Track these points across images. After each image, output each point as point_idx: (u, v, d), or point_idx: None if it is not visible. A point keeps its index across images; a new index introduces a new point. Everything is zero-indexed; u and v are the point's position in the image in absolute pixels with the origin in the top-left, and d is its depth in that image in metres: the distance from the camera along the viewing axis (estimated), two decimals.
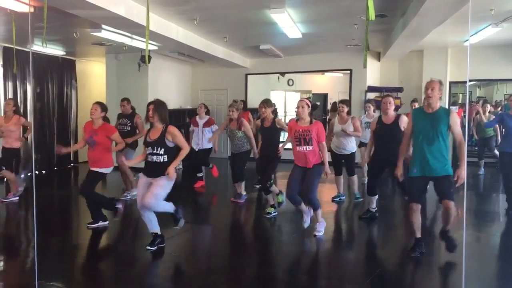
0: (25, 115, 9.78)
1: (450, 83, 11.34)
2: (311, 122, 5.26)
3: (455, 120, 4.39)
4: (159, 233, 4.87)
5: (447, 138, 4.44)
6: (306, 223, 5.43)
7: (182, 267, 4.66)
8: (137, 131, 7.40)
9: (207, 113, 8.41)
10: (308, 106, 5.29)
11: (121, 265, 4.64)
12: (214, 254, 5.06)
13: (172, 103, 11.67)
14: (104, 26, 7.44)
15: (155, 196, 4.58)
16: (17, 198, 7.22)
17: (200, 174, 8.48)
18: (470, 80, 10.13)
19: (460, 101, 11.71)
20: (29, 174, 7.81)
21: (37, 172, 6.76)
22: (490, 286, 4.10)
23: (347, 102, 6.96)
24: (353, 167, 7.10)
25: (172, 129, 4.65)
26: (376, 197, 6.08)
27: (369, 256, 5.01)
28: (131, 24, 6.68)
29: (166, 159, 4.62)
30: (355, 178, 7.12)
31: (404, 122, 5.59)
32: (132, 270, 4.42)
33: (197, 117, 8.32)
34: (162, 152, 4.61)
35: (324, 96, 16.00)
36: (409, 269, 4.56)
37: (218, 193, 8.41)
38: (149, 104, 4.71)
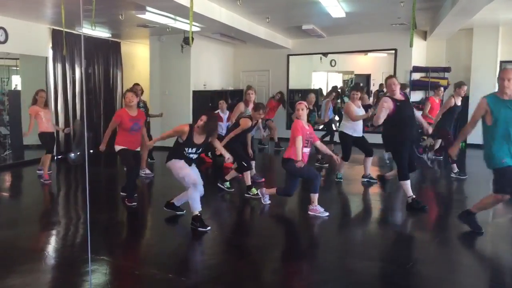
0: (74, 96, 10.13)
1: (501, 62, 10.88)
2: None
3: None
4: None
5: None
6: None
7: (224, 244, 4.74)
8: None
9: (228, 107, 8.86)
10: (307, 108, 5.58)
11: (165, 241, 4.78)
12: (255, 233, 5.13)
13: (214, 85, 11.77)
14: (148, 8, 7.53)
15: None
16: None
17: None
18: None
19: None
20: (78, 153, 8.12)
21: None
22: None
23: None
24: None
25: None
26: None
27: (413, 239, 4.95)
28: (175, 6, 6.73)
29: None
30: None
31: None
32: (176, 246, 4.55)
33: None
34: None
35: (367, 77, 15.68)
36: (457, 255, 4.47)
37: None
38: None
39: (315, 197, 5.38)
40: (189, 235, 4.87)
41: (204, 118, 4.82)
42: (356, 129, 6.98)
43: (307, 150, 5.38)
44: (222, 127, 8.34)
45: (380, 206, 6.26)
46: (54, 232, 5.07)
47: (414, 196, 5.61)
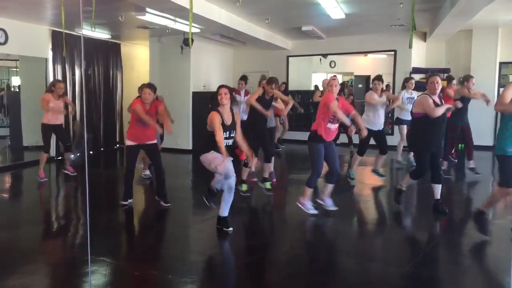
0: (74, 97, 10.12)
1: (500, 63, 10.90)
2: None
3: None
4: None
5: None
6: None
7: (224, 245, 4.75)
8: None
9: None
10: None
11: (165, 242, 4.78)
12: (255, 233, 5.13)
13: (214, 86, 11.75)
14: (148, 10, 7.54)
15: None
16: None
17: None
18: None
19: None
20: (78, 154, 8.13)
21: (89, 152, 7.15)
22: None
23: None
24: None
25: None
26: None
27: (412, 239, 4.95)
28: (174, 7, 6.74)
29: None
30: None
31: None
32: (176, 247, 4.55)
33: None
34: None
35: (367, 78, 15.71)
36: (457, 255, 4.47)
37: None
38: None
39: (308, 191, 5.33)
40: (189, 236, 4.87)
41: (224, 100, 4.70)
42: (375, 123, 6.95)
43: (333, 126, 5.23)
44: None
45: (379, 207, 6.26)
46: (53, 233, 5.07)
47: (404, 188, 5.65)
